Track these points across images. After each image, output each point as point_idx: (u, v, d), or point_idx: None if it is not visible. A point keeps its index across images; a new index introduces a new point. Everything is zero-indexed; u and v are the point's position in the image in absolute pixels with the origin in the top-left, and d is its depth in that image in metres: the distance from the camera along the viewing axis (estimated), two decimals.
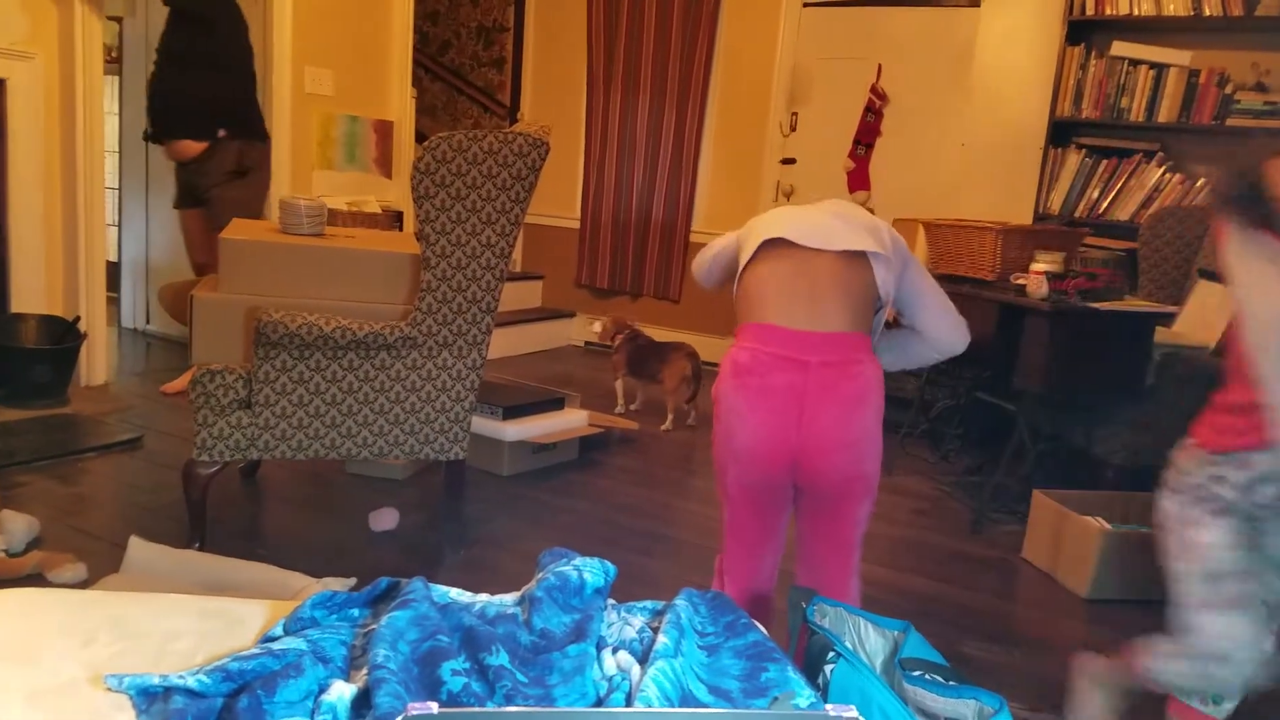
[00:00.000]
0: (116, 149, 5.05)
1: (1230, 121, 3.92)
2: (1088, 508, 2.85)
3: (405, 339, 2.47)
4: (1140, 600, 2.66)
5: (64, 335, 3.68)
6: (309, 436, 2.46)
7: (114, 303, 4.80)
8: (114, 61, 4.96)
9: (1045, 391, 3.02)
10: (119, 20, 4.89)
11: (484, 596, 1.23)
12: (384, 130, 5.04)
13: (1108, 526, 2.72)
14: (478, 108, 6.18)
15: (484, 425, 3.24)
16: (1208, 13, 3.91)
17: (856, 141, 5.02)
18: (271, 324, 2.34)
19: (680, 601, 1.19)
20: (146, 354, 4.72)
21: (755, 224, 1.83)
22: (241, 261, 2.48)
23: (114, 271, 4.81)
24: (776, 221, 1.78)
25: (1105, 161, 4.18)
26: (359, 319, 2.44)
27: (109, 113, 4.68)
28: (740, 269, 1.77)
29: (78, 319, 3.72)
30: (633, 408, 4.30)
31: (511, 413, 3.29)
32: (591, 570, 1.18)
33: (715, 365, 5.98)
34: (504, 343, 5.20)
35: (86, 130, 3.76)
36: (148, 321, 5.00)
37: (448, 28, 6.18)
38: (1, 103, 3.54)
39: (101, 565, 2.28)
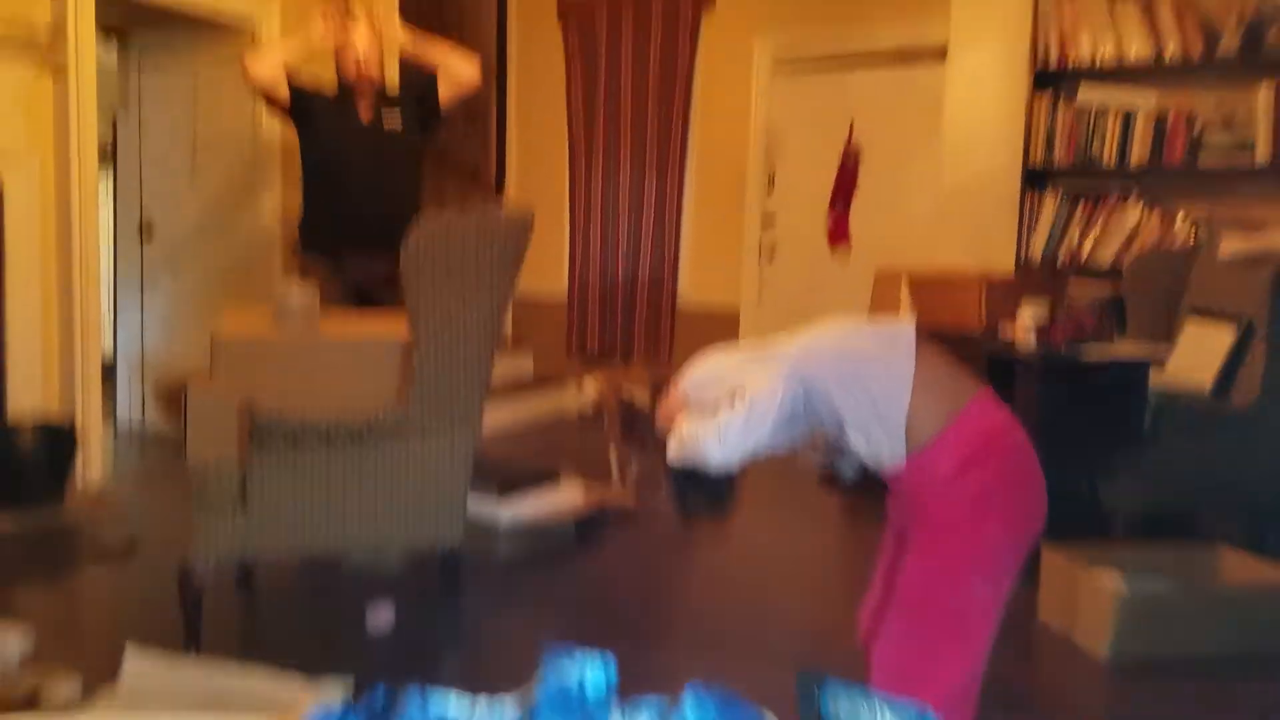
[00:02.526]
0: (110, 242, 5.09)
1: (1202, 161, 3.99)
2: (1101, 562, 2.80)
3: (398, 423, 2.47)
4: (1163, 659, 2.54)
5: (60, 440, 3.65)
6: (304, 533, 2.44)
7: (108, 396, 4.79)
8: (108, 155, 5.03)
9: (1044, 443, 3.00)
10: (113, 116, 4.96)
11: (483, 704, 1.21)
12: None
13: (1123, 582, 2.67)
14: (463, 185, 6.26)
15: (479, 506, 3.21)
16: (1169, 56, 4.01)
17: (834, 196, 5.09)
18: (266, 419, 2.34)
19: (689, 702, 1.16)
20: (141, 451, 4.70)
21: (852, 340, 1.79)
22: (235, 357, 2.49)
23: (109, 367, 4.81)
24: (882, 324, 1.85)
25: (1082, 204, 4.24)
26: (352, 407, 2.44)
27: (103, 205, 4.72)
28: (912, 373, 1.69)
29: (73, 424, 3.69)
30: (628, 477, 4.27)
31: (506, 491, 3.27)
32: (593, 672, 1.16)
33: None
34: (497, 417, 5.18)
35: (82, 227, 3.77)
36: (143, 418, 4.98)
37: None
38: None
39: (97, 674, 2.24)
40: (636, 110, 5.49)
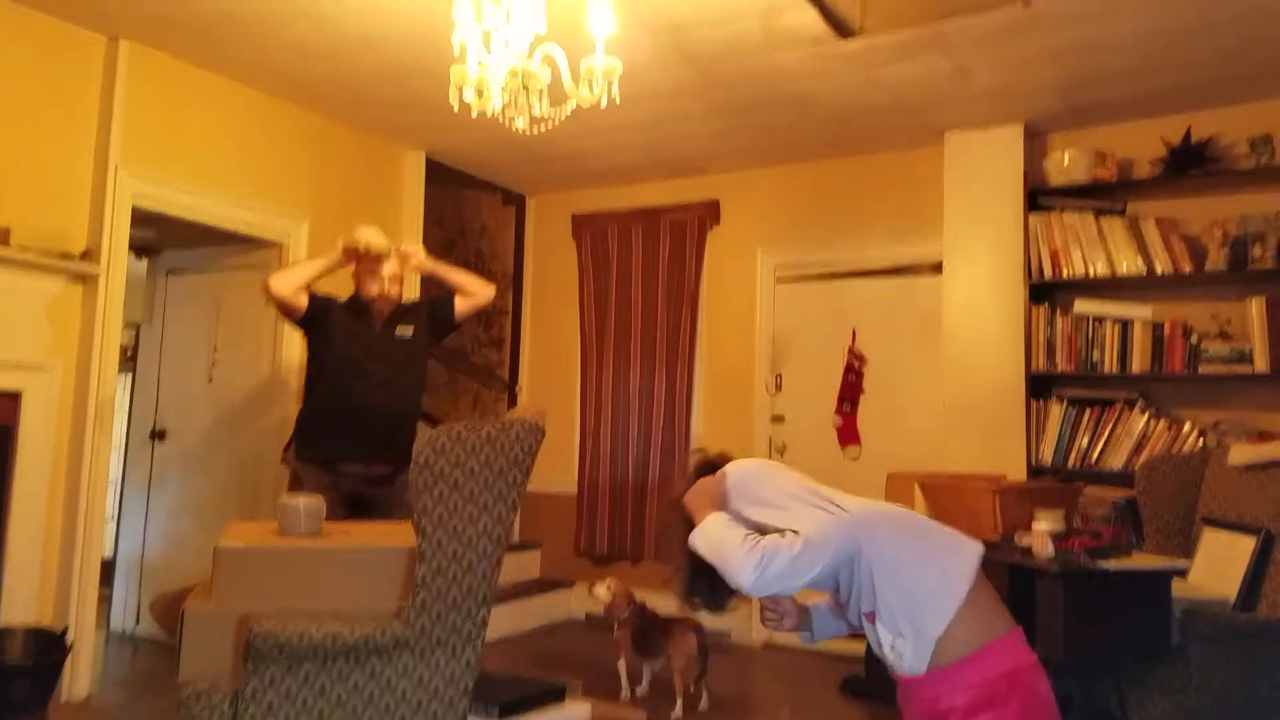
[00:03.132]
0: (122, 443, 5.13)
1: (1202, 369, 4.05)
2: None
3: (398, 640, 2.40)
4: None
5: (50, 648, 3.55)
6: None
7: (105, 600, 4.69)
8: (128, 360, 5.15)
9: (1070, 658, 2.90)
10: (137, 322, 5.12)
11: None
12: None
13: None
14: (477, 384, 6.38)
15: None
16: (1160, 271, 4.15)
17: (841, 399, 5.16)
18: (262, 634, 2.28)
19: None
20: (133, 660, 4.55)
21: (914, 524, 1.78)
22: (236, 569, 2.45)
23: (108, 567, 4.73)
24: (951, 531, 1.78)
25: (1089, 411, 4.26)
26: (352, 621, 2.38)
27: (118, 408, 4.81)
28: (966, 591, 1.67)
29: (65, 631, 3.60)
30: (639, 691, 4.08)
31: (507, 712, 3.10)
32: None
33: (721, 634, 5.65)
34: (501, 621, 5.02)
35: (96, 434, 3.81)
36: (137, 623, 4.85)
37: None
38: (14, 414, 3.61)
39: None
40: (646, 316, 5.68)
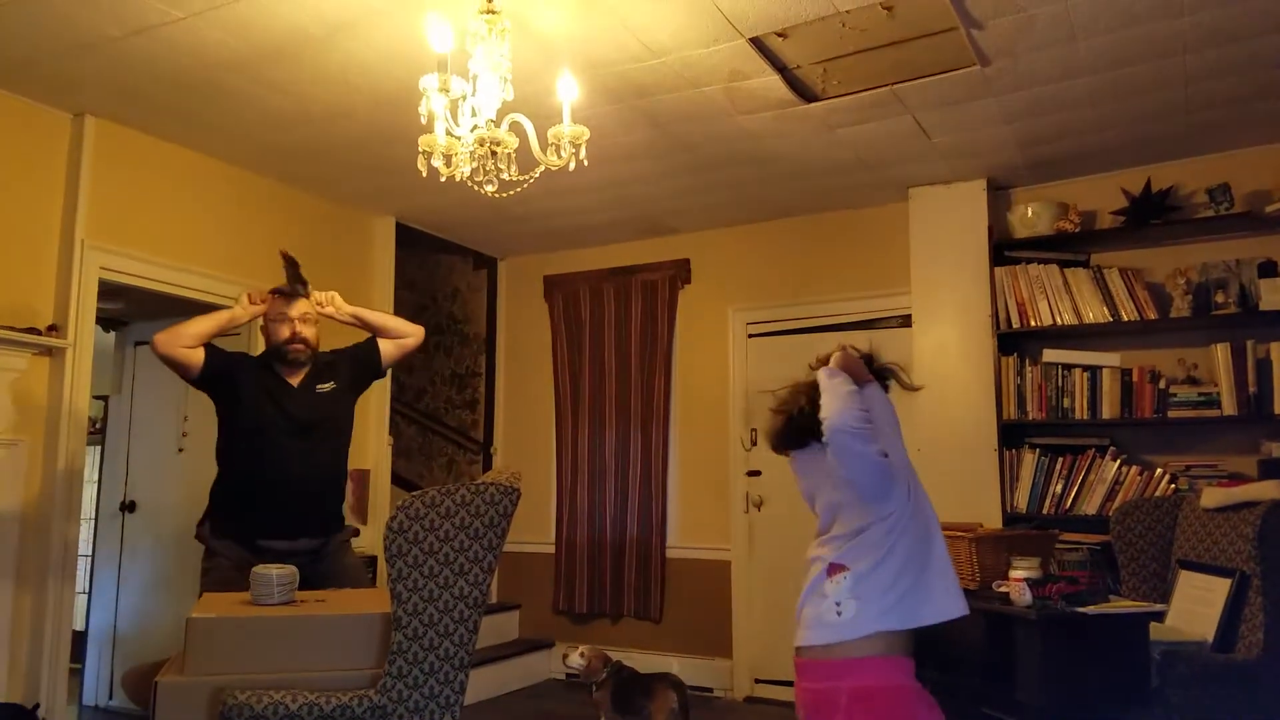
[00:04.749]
0: (93, 516, 5.06)
1: (1171, 414, 4.10)
2: None
3: (374, 708, 2.36)
4: None
5: None
6: None
7: (77, 674, 4.57)
8: (97, 432, 5.10)
9: (1050, 704, 2.89)
10: (106, 394, 5.09)
11: None
12: (360, 479, 5.12)
13: None
14: (452, 446, 6.36)
15: None
16: (1126, 318, 4.23)
17: None
18: (237, 706, 2.23)
19: None
20: None
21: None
22: (209, 640, 2.41)
23: (80, 641, 4.63)
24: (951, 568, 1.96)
25: (1061, 459, 4.30)
26: (328, 690, 2.34)
27: (88, 481, 4.75)
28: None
29: (37, 706, 3.51)
30: None
31: None
32: None
33: (703, 690, 5.61)
34: (480, 684, 4.94)
35: (65, 507, 3.76)
36: (110, 697, 4.73)
37: (423, 376, 6.53)
38: None
39: None
40: (620, 375, 5.71)
